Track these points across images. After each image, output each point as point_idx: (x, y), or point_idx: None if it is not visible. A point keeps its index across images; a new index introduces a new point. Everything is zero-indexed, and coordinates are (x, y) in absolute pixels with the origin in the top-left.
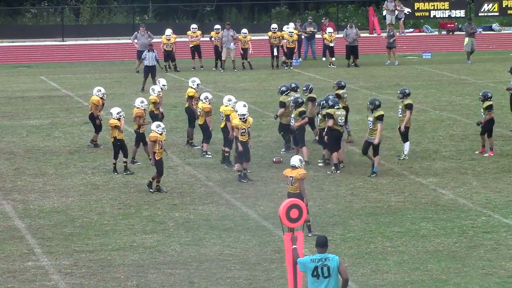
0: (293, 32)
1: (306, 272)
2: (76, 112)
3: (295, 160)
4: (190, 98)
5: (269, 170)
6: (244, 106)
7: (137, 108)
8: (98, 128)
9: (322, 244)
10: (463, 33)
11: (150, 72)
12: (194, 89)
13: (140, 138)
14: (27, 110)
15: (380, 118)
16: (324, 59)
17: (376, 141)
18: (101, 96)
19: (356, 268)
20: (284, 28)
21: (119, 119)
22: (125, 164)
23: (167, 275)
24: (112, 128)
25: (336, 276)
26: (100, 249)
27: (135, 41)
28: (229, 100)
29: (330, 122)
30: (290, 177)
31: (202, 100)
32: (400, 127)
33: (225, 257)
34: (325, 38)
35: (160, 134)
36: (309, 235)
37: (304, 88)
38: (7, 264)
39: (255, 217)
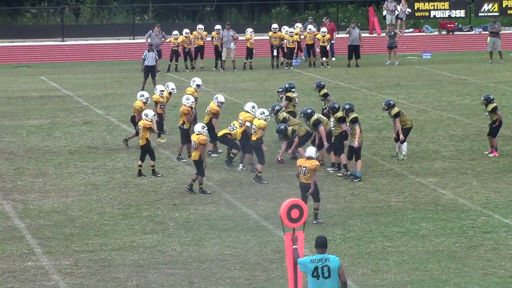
0: (293, 32)
1: (306, 273)
2: (76, 112)
3: (312, 151)
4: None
5: (269, 170)
6: (254, 107)
7: (184, 105)
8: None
9: (321, 245)
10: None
11: (150, 72)
12: (194, 89)
13: (185, 135)
14: (27, 110)
15: (354, 120)
16: (324, 59)
17: (356, 144)
18: (144, 101)
19: (356, 268)
20: (283, 29)
21: (151, 121)
22: (153, 167)
23: (167, 275)
24: (145, 130)
25: (337, 277)
26: (100, 249)
27: (149, 40)
28: (253, 107)
29: (344, 126)
30: (304, 167)
31: (214, 101)
32: (399, 138)
33: (225, 257)
34: (318, 38)
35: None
36: (314, 222)
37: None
38: (7, 264)
39: (255, 217)
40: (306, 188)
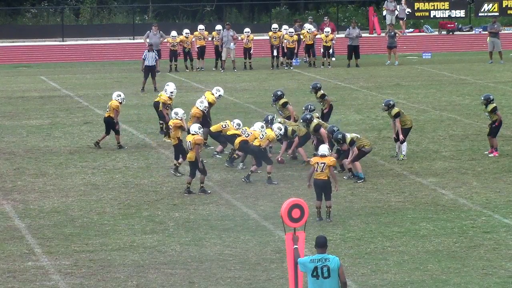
0: (293, 32)
1: (306, 272)
2: (76, 112)
3: (324, 149)
4: (210, 104)
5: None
6: (263, 127)
7: (197, 108)
8: (109, 131)
9: (321, 245)
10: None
11: (150, 72)
12: (215, 97)
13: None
14: (27, 110)
15: (352, 143)
16: (325, 59)
17: (347, 162)
18: (120, 101)
19: (356, 268)
20: (282, 29)
21: (181, 119)
22: (178, 165)
23: (167, 275)
24: (176, 128)
25: (336, 277)
26: (100, 249)
27: (147, 40)
28: (262, 127)
29: (345, 146)
30: (322, 163)
31: (234, 124)
32: (399, 138)
33: (225, 257)
34: (322, 38)
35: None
36: (328, 220)
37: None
38: (7, 264)
39: (255, 217)
40: (321, 185)
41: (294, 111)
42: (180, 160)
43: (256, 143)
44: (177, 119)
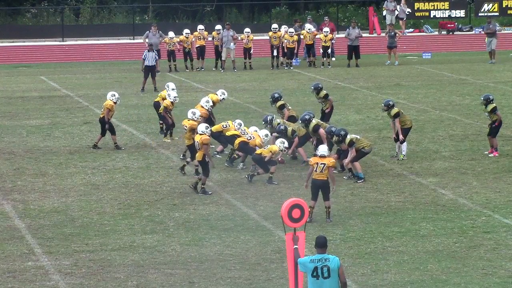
0: (293, 32)
1: (306, 273)
2: (76, 112)
3: (324, 149)
4: (213, 103)
5: None
6: (267, 135)
7: (202, 107)
8: (105, 132)
9: (321, 245)
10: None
11: (150, 72)
12: (219, 99)
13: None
14: (27, 110)
15: (351, 144)
16: (325, 59)
17: (346, 162)
18: (115, 101)
19: (356, 268)
20: (282, 28)
21: (196, 121)
22: (186, 164)
23: (167, 275)
24: (190, 130)
25: (336, 277)
26: (100, 249)
27: (147, 40)
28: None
29: (344, 146)
30: (322, 164)
31: (235, 124)
32: (399, 138)
33: (225, 257)
34: (321, 38)
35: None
36: (328, 221)
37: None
38: (7, 264)
39: (255, 217)
40: (320, 185)
41: (295, 111)
42: (188, 159)
43: (258, 152)
44: (193, 119)
